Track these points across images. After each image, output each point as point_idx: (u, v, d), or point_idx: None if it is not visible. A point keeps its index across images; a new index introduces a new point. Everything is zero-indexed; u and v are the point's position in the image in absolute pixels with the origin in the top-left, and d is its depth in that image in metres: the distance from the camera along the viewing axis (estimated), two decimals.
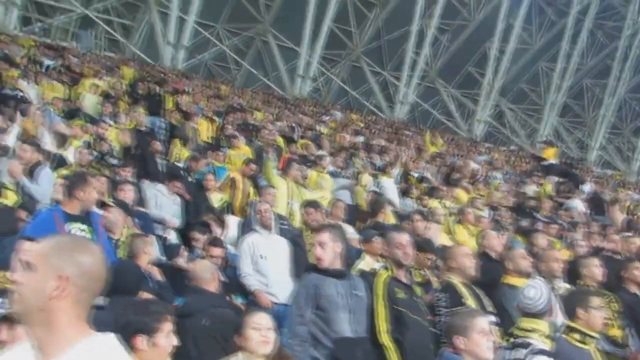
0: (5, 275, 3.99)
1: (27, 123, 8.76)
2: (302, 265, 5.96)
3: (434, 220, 8.75)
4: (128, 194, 6.85)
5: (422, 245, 5.85)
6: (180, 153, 11.35)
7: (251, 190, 9.18)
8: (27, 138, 7.67)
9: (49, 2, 24.51)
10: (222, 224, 7.29)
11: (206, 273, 4.71)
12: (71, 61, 16.07)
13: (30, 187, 6.66)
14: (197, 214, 8.15)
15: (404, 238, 4.57)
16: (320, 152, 11.90)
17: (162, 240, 7.28)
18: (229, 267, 6.17)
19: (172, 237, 7.79)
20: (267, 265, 6.04)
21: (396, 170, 11.75)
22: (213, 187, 8.86)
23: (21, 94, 10.94)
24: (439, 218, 9.10)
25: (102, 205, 5.98)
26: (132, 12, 26.49)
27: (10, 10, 20.71)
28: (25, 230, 4.69)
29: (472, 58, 33.44)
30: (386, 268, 4.60)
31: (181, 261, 5.96)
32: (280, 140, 12.99)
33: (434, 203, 10.45)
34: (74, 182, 5.01)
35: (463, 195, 11.76)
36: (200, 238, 6.42)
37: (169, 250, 6.79)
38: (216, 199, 8.70)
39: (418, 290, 4.75)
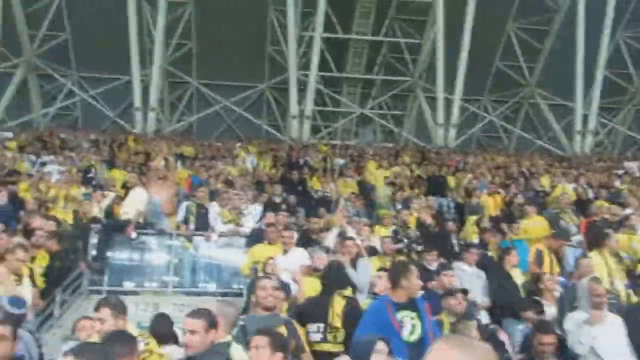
0: None
1: (335, 219, 9.67)
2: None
3: None
4: (453, 279, 7.04)
5: None
6: (472, 230, 11.38)
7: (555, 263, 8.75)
8: (342, 234, 8.43)
9: (332, 109, 27.49)
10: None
11: None
12: (357, 158, 17.52)
13: (354, 276, 7.27)
14: (503, 292, 7.99)
15: None
16: (626, 211, 10.90)
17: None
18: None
19: (482, 316, 7.72)
20: (603, 346, 5.59)
21: None
22: (514, 263, 8.59)
23: (326, 193, 12.23)
24: None
25: None
26: (401, 102, 28.15)
27: (303, 123, 23.71)
28: (363, 324, 5.09)
29: None
30: None
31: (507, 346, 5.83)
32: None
33: None
34: (398, 272, 5.33)
35: None
36: (532, 318, 6.27)
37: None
38: (517, 274, 8.42)
39: None
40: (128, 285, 9.77)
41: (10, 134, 19.18)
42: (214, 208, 10.12)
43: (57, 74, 26.05)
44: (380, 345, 4.31)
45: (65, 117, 27.34)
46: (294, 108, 23.99)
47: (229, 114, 27.13)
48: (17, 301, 5.42)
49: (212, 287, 9.76)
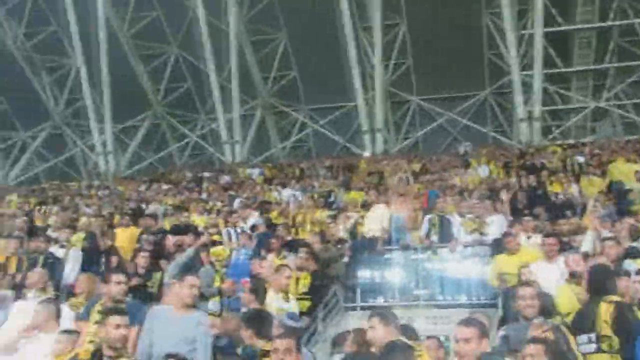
0: None
1: (587, 222, 8.99)
2: None
3: None
4: None
5: None
6: None
7: None
8: (599, 236, 7.83)
9: (562, 107, 25.84)
10: None
11: None
12: (598, 155, 16.22)
13: None
14: None
15: None
16: None
17: None
18: None
19: None
20: None
21: None
22: None
23: (569, 195, 11.49)
24: None
25: None
26: None
27: (533, 125, 22.66)
28: None
29: None
30: None
31: None
32: None
33: None
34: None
35: None
36: None
37: None
38: None
39: None
40: (378, 300, 10.12)
41: (257, 171, 21.30)
42: (456, 219, 10.11)
43: (289, 110, 28.33)
44: None
45: (300, 148, 29.59)
46: (521, 111, 23.04)
47: (452, 125, 26.97)
48: (294, 316, 5.94)
49: (460, 298, 9.69)
